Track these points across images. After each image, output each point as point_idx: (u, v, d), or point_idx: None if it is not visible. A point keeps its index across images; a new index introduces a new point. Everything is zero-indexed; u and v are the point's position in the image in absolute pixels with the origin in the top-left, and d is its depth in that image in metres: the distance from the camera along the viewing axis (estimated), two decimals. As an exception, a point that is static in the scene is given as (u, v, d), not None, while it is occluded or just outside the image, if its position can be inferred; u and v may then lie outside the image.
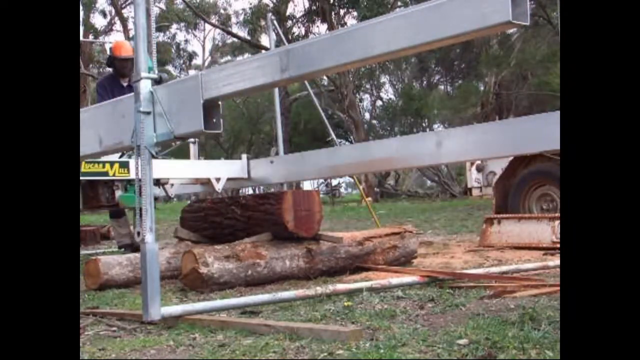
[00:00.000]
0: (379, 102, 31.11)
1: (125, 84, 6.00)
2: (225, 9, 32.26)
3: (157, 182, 5.41)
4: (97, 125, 3.13)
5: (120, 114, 3.00)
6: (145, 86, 2.76)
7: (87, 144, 3.09)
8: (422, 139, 4.39)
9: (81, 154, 2.98)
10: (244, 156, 5.52)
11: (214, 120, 2.67)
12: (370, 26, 2.25)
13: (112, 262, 4.11)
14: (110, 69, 6.41)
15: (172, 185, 5.25)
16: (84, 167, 4.65)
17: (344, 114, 24.14)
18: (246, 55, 34.64)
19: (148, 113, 2.75)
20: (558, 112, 3.24)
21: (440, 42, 2.10)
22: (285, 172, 5.10)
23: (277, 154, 7.60)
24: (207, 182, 5.43)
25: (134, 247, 5.88)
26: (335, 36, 2.38)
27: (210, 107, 2.65)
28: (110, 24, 30.35)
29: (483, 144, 3.84)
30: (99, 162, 4.70)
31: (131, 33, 21.60)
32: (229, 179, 5.34)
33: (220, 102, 2.71)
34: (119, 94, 4.84)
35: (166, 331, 2.66)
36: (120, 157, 5.31)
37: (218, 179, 5.29)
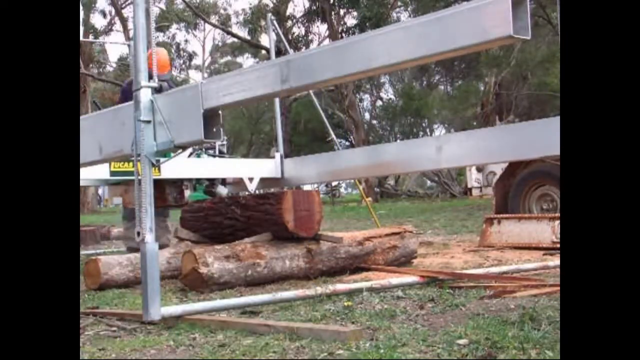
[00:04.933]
0: (379, 102, 31.13)
1: None
2: (225, 9, 32.28)
3: (224, 182, 5.34)
4: (97, 133, 3.13)
5: (120, 122, 2.99)
6: (145, 95, 2.76)
7: (88, 152, 3.08)
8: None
9: (81, 161, 2.97)
10: (278, 154, 5.30)
11: (214, 129, 2.68)
12: (370, 38, 2.25)
13: (112, 262, 4.11)
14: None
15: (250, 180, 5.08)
16: (113, 167, 4.57)
17: (344, 114, 24.13)
18: (246, 55, 34.68)
19: (148, 122, 2.75)
20: (558, 118, 3.25)
21: (440, 55, 2.11)
22: (320, 172, 4.92)
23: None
24: (239, 182, 5.23)
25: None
26: (336, 47, 2.39)
27: (210, 117, 2.66)
28: (110, 24, 30.37)
29: (483, 149, 3.85)
30: (129, 161, 4.60)
31: (131, 33, 21.59)
32: (262, 179, 5.13)
33: (220, 112, 2.72)
34: None
35: (166, 331, 2.66)
36: (189, 156, 5.26)
37: (251, 179, 5.10)
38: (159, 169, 4.65)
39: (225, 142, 5.82)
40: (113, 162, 4.58)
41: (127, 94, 5.94)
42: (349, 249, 4.26)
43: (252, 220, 4.27)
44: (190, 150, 5.36)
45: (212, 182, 5.42)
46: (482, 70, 23.01)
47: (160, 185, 5.01)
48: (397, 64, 2.22)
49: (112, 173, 4.66)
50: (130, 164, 4.62)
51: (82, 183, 5.43)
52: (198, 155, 5.58)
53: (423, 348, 2.15)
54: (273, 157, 5.31)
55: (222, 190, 5.39)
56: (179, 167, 4.89)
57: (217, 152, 5.90)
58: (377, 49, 2.20)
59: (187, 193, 5.31)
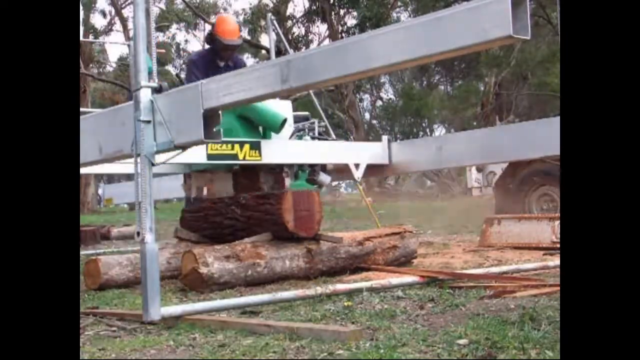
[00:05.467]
0: (379, 102, 31.14)
1: (222, 64, 5.17)
2: (225, 9, 32.25)
3: (324, 168, 4.83)
4: (97, 133, 3.13)
5: (120, 122, 2.99)
6: (145, 95, 2.76)
7: (88, 152, 3.07)
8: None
9: (81, 161, 2.96)
10: (385, 138, 4.87)
11: (214, 129, 2.68)
12: (370, 38, 2.25)
13: (112, 262, 4.11)
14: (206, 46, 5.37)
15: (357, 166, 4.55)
16: (210, 149, 3.88)
17: (344, 114, 24.14)
18: (246, 55, 34.66)
19: (148, 122, 2.75)
20: (558, 118, 3.25)
21: (440, 55, 2.11)
22: (429, 158, 4.54)
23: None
24: (344, 169, 4.75)
25: None
26: (336, 48, 2.39)
27: (210, 117, 2.67)
28: (110, 24, 30.35)
29: (485, 149, 3.85)
30: (227, 143, 4.00)
31: (131, 33, 21.59)
32: (368, 166, 4.69)
33: (220, 112, 2.72)
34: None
35: (166, 331, 2.66)
36: (291, 137, 4.77)
37: (357, 165, 4.66)
38: (260, 153, 4.12)
39: (324, 123, 5.22)
40: (210, 145, 3.79)
41: (196, 69, 5.07)
42: (349, 249, 4.26)
43: (252, 220, 4.27)
44: (292, 130, 4.84)
45: (312, 168, 4.83)
46: (482, 70, 23.02)
47: (254, 172, 4.53)
48: (397, 64, 2.22)
49: (210, 157, 3.93)
50: (229, 146, 4.01)
51: (160, 170, 4.22)
52: (299, 137, 4.99)
53: (423, 348, 2.15)
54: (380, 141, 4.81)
55: (325, 179, 4.84)
56: (279, 150, 4.33)
57: (316, 134, 5.16)
58: (377, 49, 2.21)
59: (288, 182, 4.71)
